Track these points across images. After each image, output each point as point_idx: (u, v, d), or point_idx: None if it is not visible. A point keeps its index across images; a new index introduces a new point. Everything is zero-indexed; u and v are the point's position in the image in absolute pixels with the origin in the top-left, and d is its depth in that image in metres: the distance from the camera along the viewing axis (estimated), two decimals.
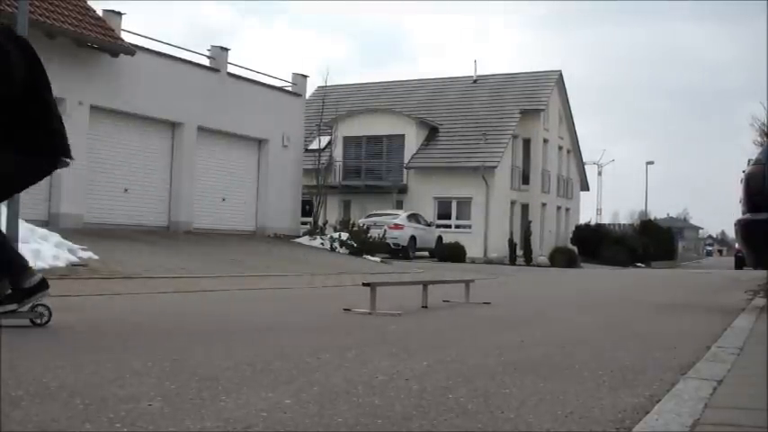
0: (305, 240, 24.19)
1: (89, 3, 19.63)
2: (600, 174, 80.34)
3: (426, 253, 32.51)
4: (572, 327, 6.99)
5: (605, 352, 5.03)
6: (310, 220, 28.41)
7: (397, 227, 30.19)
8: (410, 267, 21.32)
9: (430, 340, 5.45)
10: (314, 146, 33.83)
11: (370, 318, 6.85)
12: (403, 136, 40.63)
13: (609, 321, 7.72)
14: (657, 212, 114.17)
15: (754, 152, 16.05)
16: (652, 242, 46.97)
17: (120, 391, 3.17)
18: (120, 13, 20.12)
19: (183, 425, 2.64)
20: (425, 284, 8.48)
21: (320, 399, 3.18)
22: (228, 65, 24.21)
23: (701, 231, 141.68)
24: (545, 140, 43.58)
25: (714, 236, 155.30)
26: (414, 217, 32.55)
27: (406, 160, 40.20)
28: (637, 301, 11.51)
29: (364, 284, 7.54)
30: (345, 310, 7.41)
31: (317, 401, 3.12)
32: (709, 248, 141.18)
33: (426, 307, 8.03)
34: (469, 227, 38.37)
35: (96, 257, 12.44)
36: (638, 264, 42.24)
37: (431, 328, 6.32)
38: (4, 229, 10.22)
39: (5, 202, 7.85)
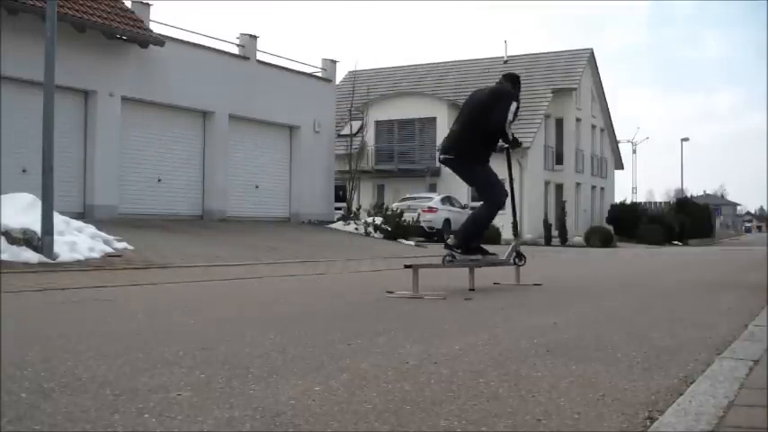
0: (339, 225, 24.19)
1: None
2: (634, 152, 79.85)
3: None
4: (606, 307, 6.92)
5: (639, 333, 4.96)
6: (344, 205, 28.43)
7: (431, 210, 30.09)
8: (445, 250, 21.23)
9: (463, 323, 5.42)
10: (345, 131, 33.81)
11: (412, 301, 6.82)
12: (435, 119, 40.49)
13: (644, 301, 7.64)
14: (693, 190, 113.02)
15: None
16: (689, 220, 46.43)
17: (150, 381, 3.18)
18: (147, 4, 20.20)
19: (212, 414, 2.64)
20: (471, 267, 8.38)
21: (349, 385, 3.17)
22: (258, 52, 24.23)
23: (738, 208, 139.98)
24: (578, 120, 43.23)
25: (753, 212, 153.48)
26: (448, 200, 32.41)
27: (438, 143, 40.06)
28: (673, 279, 11.39)
29: (406, 266, 7.46)
30: (388, 292, 7.38)
31: (346, 388, 3.11)
32: (748, 225, 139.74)
33: (473, 289, 7.96)
34: (504, 208, 38.19)
35: (131, 248, 12.53)
36: (675, 242, 41.81)
37: (466, 311, 6.28)
38: (40, 222, 10.36)
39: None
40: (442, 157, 8.65)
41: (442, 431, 2.52)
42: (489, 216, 8.63)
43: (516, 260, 8.86)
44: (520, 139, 8.94)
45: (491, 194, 8.60)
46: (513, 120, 8.30)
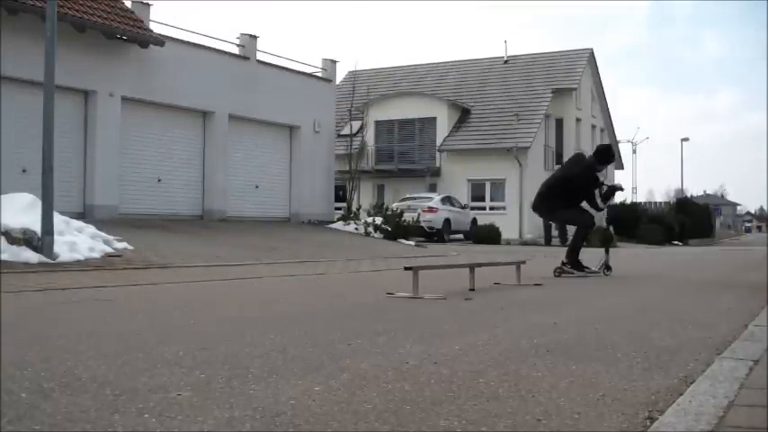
0: (339, 225, 24.18)
1: None
2: (634, 152, 79.79)
3: (461, 235, 32.40)
4: (606, 307, 6.93)
5: (640, 332, 4.97)
6: (344, 205, 28.41)
7: (431, 210, 30.10)
8: (445, 250, 21.27)
9: (463, 323, 5.42)
10: (346, 131, 33.79)
11: (411, 302, 6.81)
12: (435, 119, 40.49)
13: (644, 301, 7.64)
14: (694, 190, 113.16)
15: None
16: (689, 220, 46.37)
17: (150, 381, 3.18)
18: (147, 4, 20.18)
19: (212, 414, 2.64)
20: (471, 267, 8.38)
21: (349, 385, 3.17)
22: (258, 52, 24.21)
23: (738, 208, 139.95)
24: (578, 119, 43.21)
25: (753, 212, 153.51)
26: (447, 200, 32.43)
27: (438, 143, 40.06)
28: (673, 279, 11.39)
29: (406, 269, 7.45)
30: (388, 294, 7.37)
31: (346, 388, 3.11)
32: (748, 225, 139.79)
33: (474, 289, 7.96)
34: (504, 208, 38.20)
35: (131, 248, 12.53)
36: (675, 242, 41.77)
37: (466, 311, 6.28)
38: (40, 222, 10.35)
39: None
40: (535, 211, 12.01)
41: (441, 431, 2.52)
42: (584, 233, 11.50)
43: (605, 270, 11.15)
44: (614, 188, 11.83)
45: (578, 223, 11.61)
46: (602, 191, 11.31)
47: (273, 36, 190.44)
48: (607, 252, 11.36)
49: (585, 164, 11.45)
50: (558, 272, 10.83)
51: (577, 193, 11.21)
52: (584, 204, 11.39)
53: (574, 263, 11.00)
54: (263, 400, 2.86)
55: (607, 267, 11.13)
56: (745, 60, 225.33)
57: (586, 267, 11.02)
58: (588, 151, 43.96)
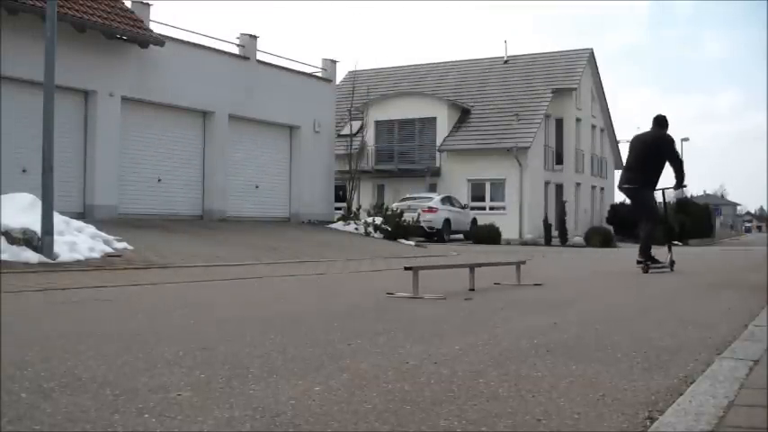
0: (339, 225, 24.16)
1: None
2: None
3: (461, 235, 32.40)
4: (606, 307, 6.92)
5: (640, 332, 4.96)
6: (344, 205, 28.40)
7: (431, 210, 30.11)
8: (445, 250, 21.26)
9: (463, 323, 5.42)
10: (346, 131, 33.79)
11: (411, 302, 6.81)
12: (435, 119, 40.48)
13: (644, 301, 7.64)
14: (694, 190, 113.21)
15: None
16: (689, 220, 46.33)
17: (150, 381, 3.18)
18: (147, 4, 20.18)
19: (212, 414, 2.64)
20: (471, 267, 8.37)
21: (349, 385, 3.17)
22: (258, 52, 24.20)
23: (738, 208, 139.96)
24: (578, 119, 43.20)
25: (753, 212, 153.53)
26: (448, 200, 32.43)
27: (438, 143, 40.05)
28: (673, 279, 11.38)
29: (406, 269, 7.45)
30: (388, 294, 7.36)
31: (346, 388, 3.11)
32: (748, 225, 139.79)
33: (474, 290, 7.95)
34: (504, 208, 38.19)
35: (131, 248, 12.52)
36: (676, 242, 41.76)
37: (466, 311, 6.28)
38: (40, 222, 10.34)
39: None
40: (625, 186, 12.31)
41: (441, 431, 2.52)
42: (652, 228, 12.20)
43: (671, 266, 12.17)
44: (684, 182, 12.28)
45: (651, 213, 12.31)
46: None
47: (273, 36, 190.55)
48: (670, 249, 12.37)
49: (655, 132, 12.23)
50: (645, 269, 11.74)
51: (660, 164, 12.00)
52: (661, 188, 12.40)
53: (650, 258, 11.90)
54: (263, 400, 2.86)
55: (672, 263, 12.19)
56: (745, 61, 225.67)
57: (660, 261, 11.99)
58: (588, 151, 43.85)
